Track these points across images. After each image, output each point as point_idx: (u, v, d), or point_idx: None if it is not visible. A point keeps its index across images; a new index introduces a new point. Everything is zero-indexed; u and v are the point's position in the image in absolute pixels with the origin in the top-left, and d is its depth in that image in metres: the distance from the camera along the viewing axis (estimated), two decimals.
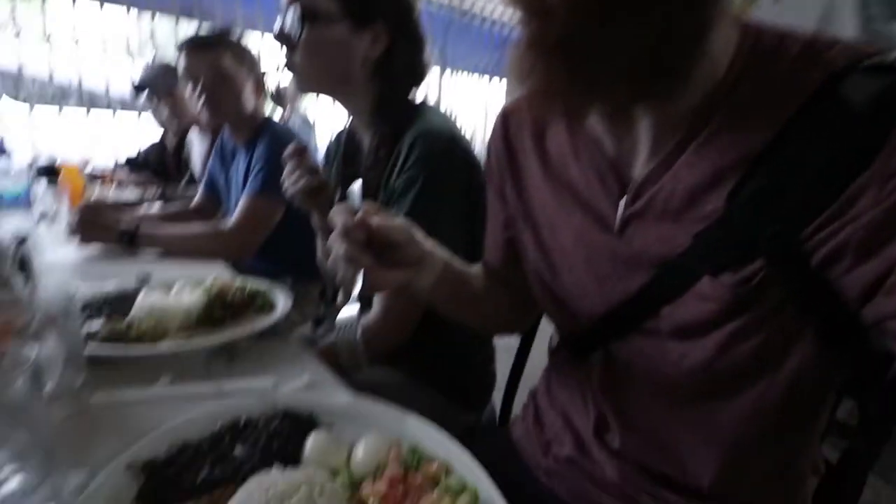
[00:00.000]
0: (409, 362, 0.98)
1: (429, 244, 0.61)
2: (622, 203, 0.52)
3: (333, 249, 0.52)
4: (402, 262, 0.57)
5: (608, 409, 0.59)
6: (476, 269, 0.77)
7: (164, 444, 0.46)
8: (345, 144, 1.06)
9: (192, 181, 2.12)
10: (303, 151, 0.91)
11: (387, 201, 0.91)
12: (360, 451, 0.47)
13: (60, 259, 1.19)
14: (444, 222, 0.87)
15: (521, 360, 1.02)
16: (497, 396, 1.10)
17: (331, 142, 1.14)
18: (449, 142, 0.90)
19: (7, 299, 0.53)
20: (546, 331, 0.82)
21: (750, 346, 0.46)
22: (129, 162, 2.60)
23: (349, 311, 0.56)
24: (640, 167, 0.52)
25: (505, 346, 1.06)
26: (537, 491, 0.65)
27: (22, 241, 0.76)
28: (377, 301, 0.91)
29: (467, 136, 0.98)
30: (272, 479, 0.39)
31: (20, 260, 0.72)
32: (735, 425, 0.50)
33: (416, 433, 0.50)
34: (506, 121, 0.67)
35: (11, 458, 0.37)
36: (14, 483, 0.37)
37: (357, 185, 0.59)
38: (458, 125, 0.99)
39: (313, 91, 1.01)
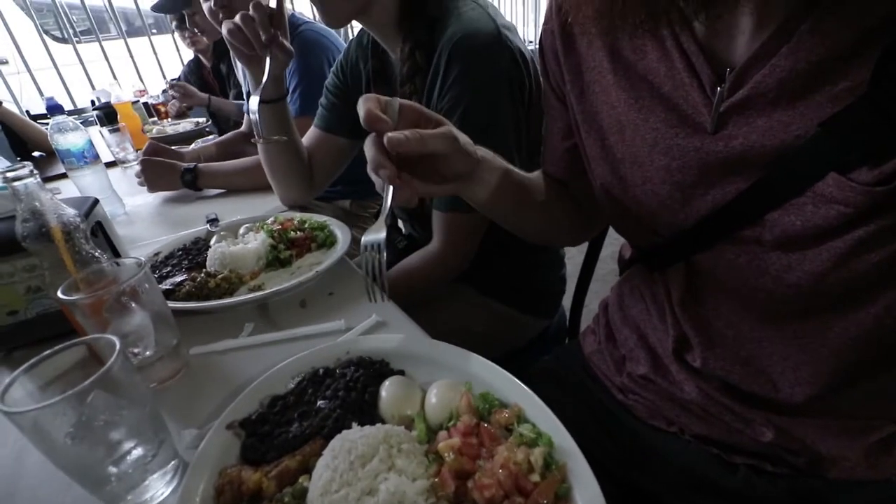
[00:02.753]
0: (476, 279, 0.97)
1: (482, 152, 0.56)
2: (717, 94, 0.42)
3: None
4: (450, 175, 0.53)
5: (689, 327, 0.55)
6: (537, 176, 0.70)
7: (256, 401, 0.50)
8: (372, 59, 0.94)
9: (240, 97, 2.10)
10: None
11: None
12: (432, 398, 0.49)
13: (136, 207, 1.27)
14: (498, 135, 0.78)
15: (590, 266, 0.98)
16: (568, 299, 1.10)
17: (351, 46, 1.01)
18: (491, 42, 0.76)
19: (91, 274, 0.57)
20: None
21: (877, 257, 0.38)
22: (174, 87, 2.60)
23: (375, 232, 0.50)
24: (742, 46, 0.41)
25: (576, 249, 1.02)
26: (613, 406, 0.66)
27: (94, 203, 0.79)
28: (435, 230, 0.88)
29: (514, 23, 0.83)
30: (352, 439, 0.41)
31: (96, 224, 0.76)
32: (844, 343, 0.44)
33: (486, 377, 0.50)
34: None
35: (126, 435, 0.42)
36: (135, 455, 0.43)
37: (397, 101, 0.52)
38: (500, 11, 0.83)
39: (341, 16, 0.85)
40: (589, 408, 0.67)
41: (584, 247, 0.99)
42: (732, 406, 0.54)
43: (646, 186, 0.51)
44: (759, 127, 0.41)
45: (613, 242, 0.74)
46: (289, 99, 1.33)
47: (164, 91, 2.51)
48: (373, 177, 0.51)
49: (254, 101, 0.86)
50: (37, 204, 0.56)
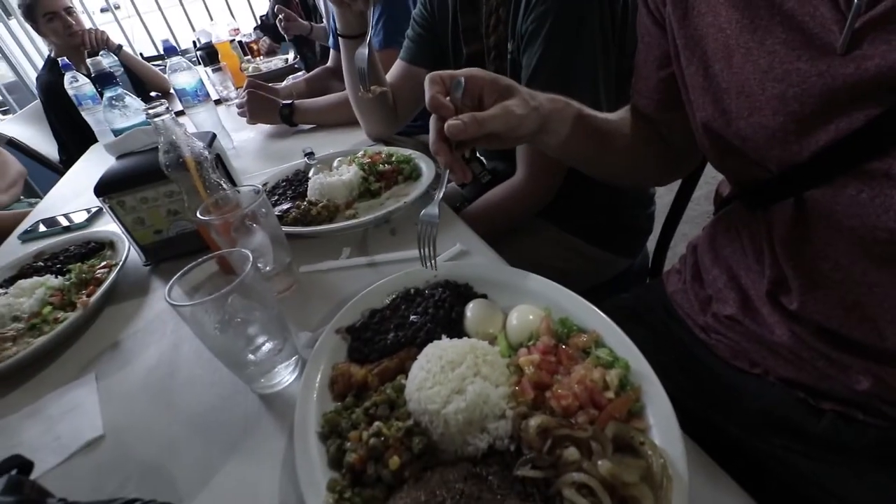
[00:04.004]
0: (558, 214, 0.97)
1: (549, 105, 0.56)
2: (853, 7, 0.37)
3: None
4: (516, 137, 0.55)
5: (789, 268, 0.52)
6: (619, 116, 0.67)
7: (358, 312, 0.58)
8: None
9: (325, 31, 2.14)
10: None
11: (517, 50, 0.80)
12: (513, 320, 0.53)
13: (242, 142, 1.39)
14: (583, 63, 0.75)
15: (680, 206, 0.93)
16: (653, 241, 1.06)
17: None
18: None
19: (219, 199, 0.66)
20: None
21: None
22: (263, 24, 2.69)
23: (430, 210, 0.58)
24: None
25: (666, 188, 0.97)
26: (693, 345, 0.66)
27: (213, 137, 0.89)
28: (519, 163, 0.88)
29: None
30: (443, 347, 0.47)
31: (215, 156, 0.86)
32: None
33: (565, 304, 0.53)
34: None
35: (259, 331, 0.52)
36: (266, 347, 0.52)
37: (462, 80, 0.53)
38: None
39: None
40: (667, 344, 0.68)
41: (675, 186, 0.94)
42: (828, 352, 0.52)
43: (753, 118, 0.47)
44: None
45: (710, 182, 0.70)
46: (373, 31, 1.34)
47: (256, 28, 2.62)
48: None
49: (361, 53, 0.88)
50: (173, 137, 0.65)
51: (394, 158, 0.95)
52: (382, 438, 0.42)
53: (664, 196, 0.99)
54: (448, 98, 0.54)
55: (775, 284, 0.54)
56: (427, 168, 0.91)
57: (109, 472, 0.51)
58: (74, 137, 2.00)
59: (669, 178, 0.78)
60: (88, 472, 0.52)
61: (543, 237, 0.98)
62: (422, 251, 0.57)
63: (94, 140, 1.65)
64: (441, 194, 0.57)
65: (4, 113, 3.05)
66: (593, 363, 0.45)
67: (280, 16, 2.14)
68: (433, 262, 0.58)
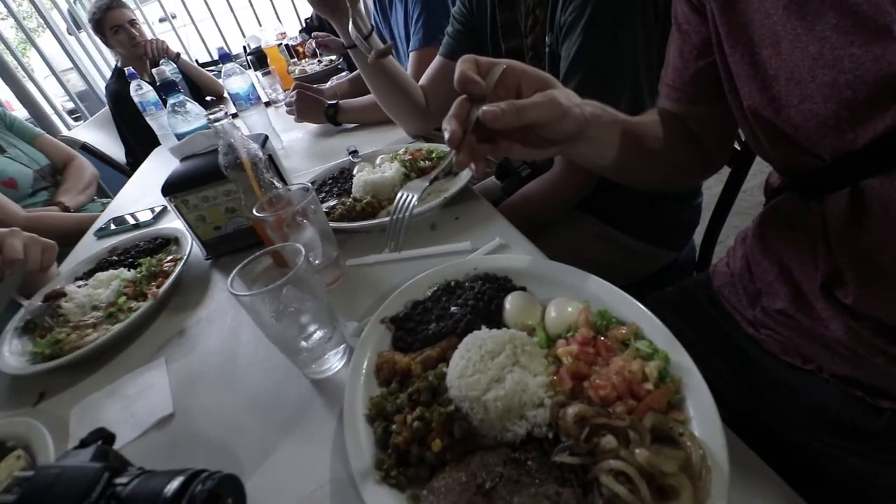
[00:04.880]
0: (599, 207, 0.96)
1: (590, 109, 0.53)
2: None
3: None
4: (555, 137, 0.51)
5: (845, 261, 0.50)
6: (650, 119, 0.65)
7: (401, 303, 0.61)
8: None
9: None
10: None
11: (555, 42, 0.80)
12: (552, 312, 0.53)
13: (291, 142, 1.46)
14: (624, 52, 0.74)
15: (729, 198, 0.90)
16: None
17: None
18: None
19: (273, 197, 0.70)
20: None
21: None
22: (308, 26, 2.78)
23: (416, 187, 0.55)
24: None
25: (715, 178, 0.94)
26: (740, 339, 0.64)
27: (265, 139, 0.95)
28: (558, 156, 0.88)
29: None
30: (483, 337, 0.49)
31: (268, 156, 0.91)
32: None
33: (604, 297, 0.53)
34: None
35: (311, 320, 0.55)
36: (317, 335, 0.56)
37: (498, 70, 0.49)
38: None
39: None
40: (713, 338, 0.66)
41: (724, 175, 0.90)
42: (887, 348, 0.50)
43: (803, 106, 0.45)
44: None
45: (763, 171, 0.67)
46: (412, 30, 1.36)
47: (301, 31, 2.71)
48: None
49: (351, 28, 0.94)
50: (231, 140, 0.70)
51: (434, 155, 0.97)
52: (425, 422, 0.45)
53: (713, 187, 0.95)
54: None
55: (830, 278, 0.52)
56: None
57: (179, 447, 0.56)
58: (140, 141, 2.15)
59: (702, 178, 0.76)
60: (161, 446, 0.57)
61: (583, 230, 0.97)
62: (390, 231, 0.53)
63: (157, 143, 1.78)
64: (434, 175, 0.54)
65: (77, 119, 3.32)
66: (632, 355, 0.45)
67: (313, 42, 2.18)
68: (398, 244, 0.53)
